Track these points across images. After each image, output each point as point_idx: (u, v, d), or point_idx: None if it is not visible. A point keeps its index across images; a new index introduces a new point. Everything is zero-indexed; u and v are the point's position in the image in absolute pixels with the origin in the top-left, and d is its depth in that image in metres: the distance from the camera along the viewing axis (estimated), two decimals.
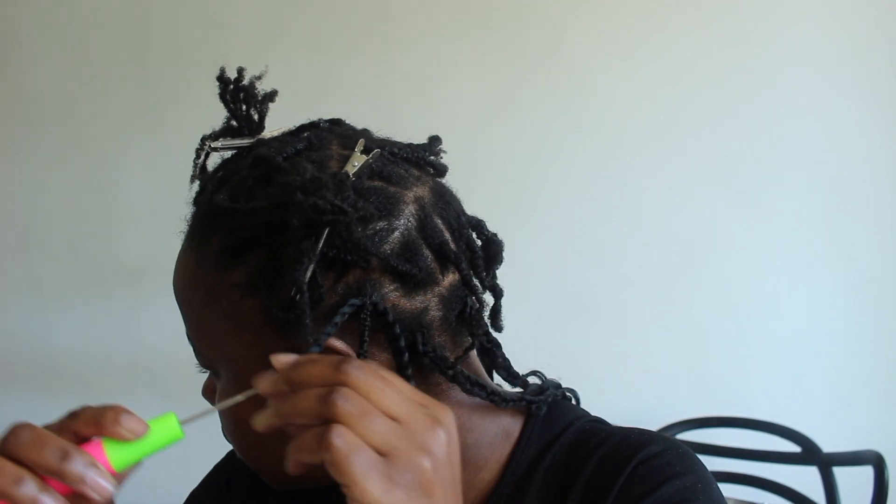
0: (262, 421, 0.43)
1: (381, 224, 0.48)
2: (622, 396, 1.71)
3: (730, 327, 1.71)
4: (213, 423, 0.58)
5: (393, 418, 0.40)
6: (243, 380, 0.50)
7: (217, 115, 0.56)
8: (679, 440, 0.57)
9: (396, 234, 0.49)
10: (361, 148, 0.50)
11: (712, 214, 1.70)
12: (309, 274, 0.45)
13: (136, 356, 1.91)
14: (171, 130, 1.84)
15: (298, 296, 0.45)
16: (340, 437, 0.38)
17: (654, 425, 1.58)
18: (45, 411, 1.90)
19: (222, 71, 0.55)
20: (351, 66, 1.78)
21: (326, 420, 0.39)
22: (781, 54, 1.65)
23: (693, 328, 1.72)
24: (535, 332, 1.71)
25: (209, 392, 0.57)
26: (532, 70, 1.72)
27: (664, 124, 1.69)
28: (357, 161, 0.49)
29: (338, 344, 0.48)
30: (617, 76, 1.70)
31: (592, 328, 1.75)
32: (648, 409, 1.69)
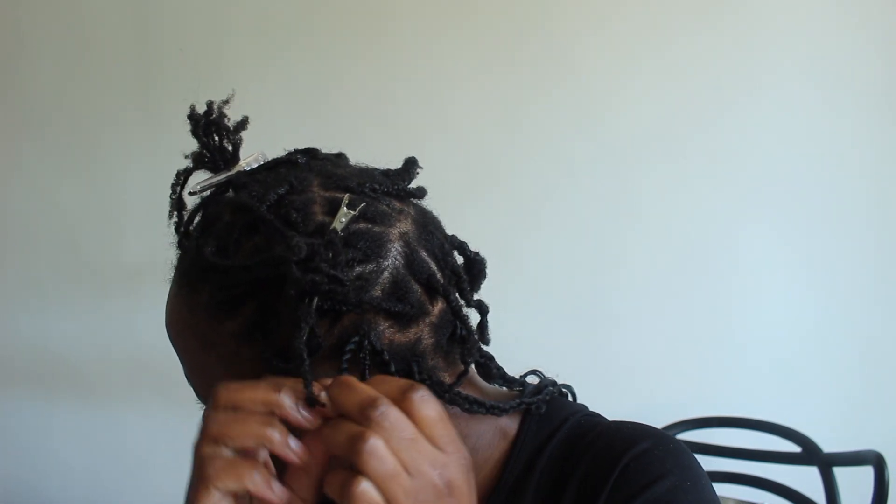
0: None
1: (370, 267, 0.49)
2: (623, 396, 1.71)
3: (730, 328, 1.71)
4: None
5: (409, 474, 0.42)
6: None
7: None
8: (669, 434, 0.59)
9: (385, 274, 0.49)
10: (347, 202, 0.50)
11: (713, 218, 1.70)
12: (305, 336, 0.46)
13: (136, 356, 1.91)
14: (172, 131, 1.83)
15: (297, 353, 0.46)
16: (364, 495, 0.40)
17: (654, 425, 1.58)
18: (45, 411, 1.91)
19: (192, 108, 0.56)
20: (356, 73, 1.77)
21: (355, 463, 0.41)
22: (785, 62, 1.65)
23: (693, 328, 1.72)
24: (538, 334, 1.71)
25: None
26: (538, 76, 1.72)
27: (668, 131, 1.69)
28: (344, 217, 0.49)
29: None
30: (622, 83, 1.70)
31: (594, 329, 1.75)
32: (649, 409, 1.69)
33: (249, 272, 0.47)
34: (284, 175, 0.52)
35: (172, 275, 0.55)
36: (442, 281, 0.53)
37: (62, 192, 1.93)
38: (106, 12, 1.87)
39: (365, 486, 0.40)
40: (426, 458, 0.42)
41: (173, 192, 0.56)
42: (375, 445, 0.41)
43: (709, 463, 1.52)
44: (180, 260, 0.55)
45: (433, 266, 0.53)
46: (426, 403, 0.43)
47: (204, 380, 0.53)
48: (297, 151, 0.57)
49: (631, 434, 0.57)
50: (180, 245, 0.55)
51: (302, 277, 0.45)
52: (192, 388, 0.55)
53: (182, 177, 0.57)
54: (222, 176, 0.54)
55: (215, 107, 0.56)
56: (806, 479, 1.44)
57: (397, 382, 0.44)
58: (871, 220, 1.66)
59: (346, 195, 0.50)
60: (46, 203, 1.94)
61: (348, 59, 1.78)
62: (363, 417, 0.42)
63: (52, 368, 1.97)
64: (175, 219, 0.56)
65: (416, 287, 0.51)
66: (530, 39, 1.72)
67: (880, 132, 1.64)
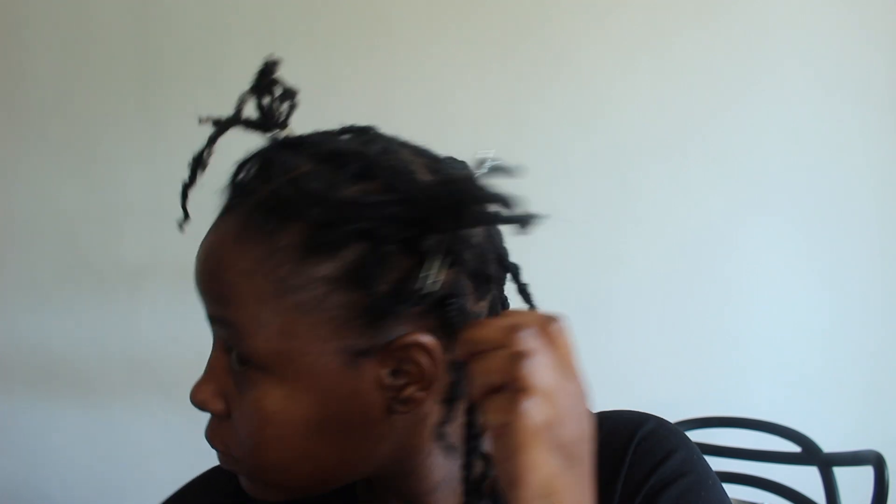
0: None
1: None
2: (622, 396, 1.70)
3: (730, 327, 1.71)
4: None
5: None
6: (308, 376, 0.48)
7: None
8: (662, 417, 0.65)
9: (478, 237, 0.50)
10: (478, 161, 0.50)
11: (713, 217, 1.70)
12: (433, 278, 0.46)
13: (136, 356, 1.91)
14: (173, 131, 1.84)
15: (431, 292, 0.46)
16: (535, 408, 0.40)
17: None
18: (46, 411, 1.91)
19: (267, 61, 0.56)
20: (355, 73, 1.77)
21: (515, 382, 0.41)
22: (786, 62, 1.65)
23: (693, 328, 1.72)
24: None
25: (212, 433, 0.53)
26: (538, 76, 1.72)
27: (669, 130, 1.69)
28: (481, 171, 0.50)
29: (426, 339, 0.48)
30: (623, 83, 1.70)
31: (593, 329, 1.74)
32: (649, 409, 1.68)
33: (379, 208, 0.45)
34: (378, 141, 0.52)
35: (223, 216, 0.51)
36: (508, 261, 0.55)
37: (62, 193, 1.93)
38: (106, 13, 1.87)
39: (534, 400, 0.40)
40: (570, 381, 0.43)
41: (210, 143, 0.54)
42: (538, 360, 0.41)
43: (709, 463, 1.52)
44: (246, 200, 0.50)
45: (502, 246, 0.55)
46: (566, 333, 0.43)
47: (263, 332, 0.47)
48: (352, 127, 0.57)
49: (631, 417, 0.62)
50: (241, 186, 0.51)
51: (489, 199, 0.44)
52: (216, 332, 0.51)
53: (223, 126, 0.54)
54: (282, 133, 0.54)
55: (276, 67, 0.55)
56: (806, 479, 1.44)
57: (536, 313, 0.45)
58: (871, 219, 1.66)
59: (476, 158, 0.51)
60: (47, 203, 1.94)
61: (347, 59, 1.78)
62: (513, 340, 0.41)
63: (51, 368, 1.97)
64: (193, 173, 0.54)
65: (492, 260, 0.52)
66: (529, 39, 1.72)
67: (884, 130, 1.64)
